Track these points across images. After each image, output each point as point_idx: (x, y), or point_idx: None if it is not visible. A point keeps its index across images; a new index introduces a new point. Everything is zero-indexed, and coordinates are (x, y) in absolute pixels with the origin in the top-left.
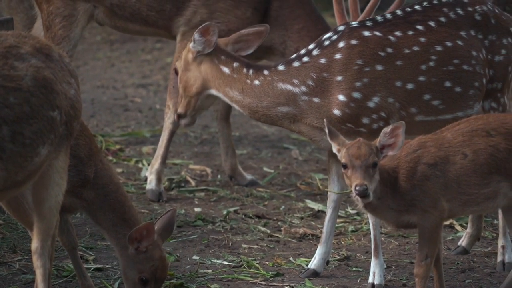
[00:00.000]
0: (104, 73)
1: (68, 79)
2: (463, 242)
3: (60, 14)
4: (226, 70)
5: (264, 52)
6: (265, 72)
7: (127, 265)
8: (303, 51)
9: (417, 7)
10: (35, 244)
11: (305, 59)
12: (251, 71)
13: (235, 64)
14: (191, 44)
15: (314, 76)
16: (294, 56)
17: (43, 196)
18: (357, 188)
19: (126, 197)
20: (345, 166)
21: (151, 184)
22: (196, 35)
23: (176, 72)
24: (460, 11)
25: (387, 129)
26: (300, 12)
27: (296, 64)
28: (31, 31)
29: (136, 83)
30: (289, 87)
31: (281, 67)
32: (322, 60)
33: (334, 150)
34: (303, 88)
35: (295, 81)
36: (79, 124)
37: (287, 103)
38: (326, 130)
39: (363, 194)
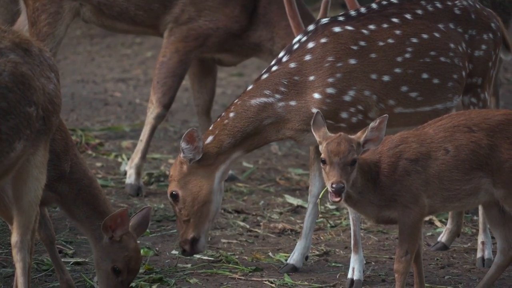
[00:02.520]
0: (84, 68)
1: (47, 74)
2: (442, 238)
3: (46, 11)
4: (212, 149)
5: (252, 49)
6: (235, 101)
7: (101, 256)
8: (273, 62)
9: (393, 0)
10: (14, 238)
11: (274, 68)
12: (223, 114)
13: (210, 137)
14: (181, 155)
15: (285, 82)
16: (263, 71)
17: (22, 191)
18: (333, 185)
19: (100, 191)
20: (323, 162)
21: (130, 178)
22: (183, 144)
23: (176, 199)
24: (438, 5)
25: (374, 123)
26: (276, 8)
27: (264, 76)
28: (15, 25)
29: (116, 77)
30: (262, 99)
31: (250, 87)
32: (292, 65)
33: (317, 141)
34: (277, 96)
35: (267, 92)
36: (58, 119)
37: (268, 115)
38: (312, 121)
39: (338, 192)
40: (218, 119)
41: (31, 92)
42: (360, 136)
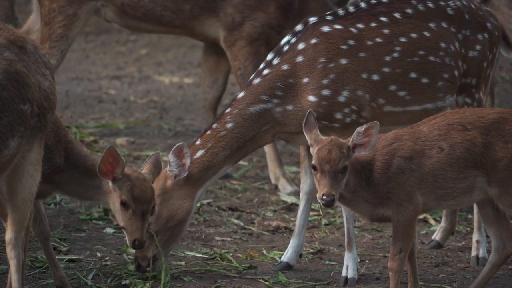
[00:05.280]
0: (78, 65)
1: (42, 71)
2: (437, 236)
3: (64, 13)
4: (202, 163)
5: None
6: (228, 110)
7: (113, 200)
8: (261, 66)
9: None
10: (9, 235)
11: (265, 71)
12: (214, 126)
13: (200, 152)
14: (168, 169)
15: (281, 85)
16: (252, 76)
17: (17, 188)
18: (323, 197)
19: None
20: (314, 168)
21: None
22: (170, 157)
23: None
24: (430, 4)
25: (361, 128)
26: (315, 5)
27: (257, 81)
28: (25, 25)
29: (111, 74)
30: (261, 106)
31: (241, 94)
32: (285, 67)
33: (308, 143)
34: (275, 101)
35: (264, 97)
36: (54, 116)
37: (266, 121)
38: (304, 121)
39: (329, 205)
40: (209, 132)
41: (25, 89)
42: (349, 140)
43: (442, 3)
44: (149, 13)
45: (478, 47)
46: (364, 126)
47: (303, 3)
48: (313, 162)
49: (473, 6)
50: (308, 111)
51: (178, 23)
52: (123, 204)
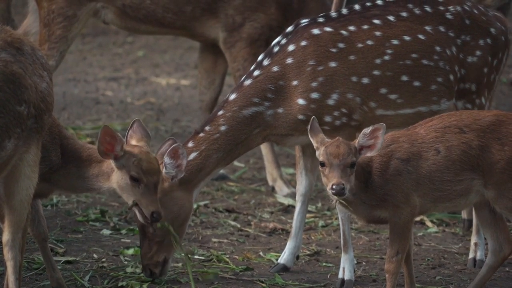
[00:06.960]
0: (75, 66)
1: (40, 72)
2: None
3: (63, 14)
4: (196, 165)
5: None
6: (221, 112)
7: (118, 179)
8: (252, 67)
9: (378, 2)
10: (6, 237)
11: (256, 73)
12: (207, 128)
13: (193, 154)
14: (164, 171)
15: (272, 87)
16: (243, 77)
17: (14, 189)
18: (333, 187)
19: (91, 154)
20: (322, 164)
21: None
22: (166, 159)
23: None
24: (428, 8)
25: (367, 130)
26: (313, 5)
27: (248, 82)
28: (21, 27)
29: (107, 76)
30: (253, 109)
31: (233, 96)
32: (275, 68)
33: (314, 147)
34: (266, 103)
35: (256, 100)
36: (51, 117)
37: (258, 124)
38: (309, 127)
39: (340, 193)
40: (202, 134)
41: (22, 90)
42: (355, 142)
43: (442, 8)
44: (150, 15)
45: (478, 52)
46: (371, 128)
47: (302, 4)
48: (321, 158)
49: (476, 11)
50: (312, 118)
51: (179, 24)
52: (134, 180)
